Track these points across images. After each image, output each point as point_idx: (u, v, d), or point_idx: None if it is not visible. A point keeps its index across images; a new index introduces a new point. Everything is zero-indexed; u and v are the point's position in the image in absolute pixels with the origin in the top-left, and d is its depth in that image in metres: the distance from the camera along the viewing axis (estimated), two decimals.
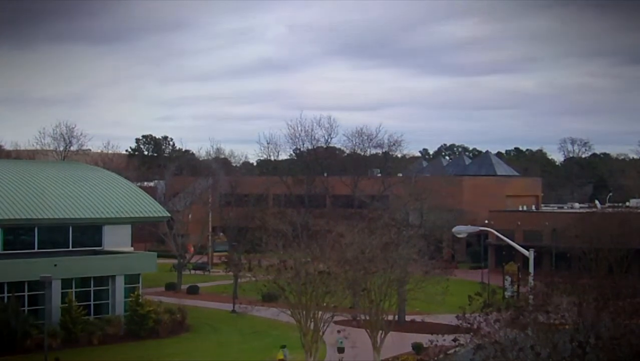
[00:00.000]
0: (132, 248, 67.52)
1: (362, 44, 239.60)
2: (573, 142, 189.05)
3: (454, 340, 28.32)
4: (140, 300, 59.97)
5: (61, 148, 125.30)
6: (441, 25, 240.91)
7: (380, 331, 47.59)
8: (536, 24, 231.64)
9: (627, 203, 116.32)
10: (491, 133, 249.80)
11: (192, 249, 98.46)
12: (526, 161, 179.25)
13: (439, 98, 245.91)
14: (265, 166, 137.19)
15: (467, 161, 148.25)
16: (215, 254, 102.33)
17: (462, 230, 36.64)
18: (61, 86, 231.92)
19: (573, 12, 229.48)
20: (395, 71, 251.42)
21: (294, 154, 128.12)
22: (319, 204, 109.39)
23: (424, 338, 47.91)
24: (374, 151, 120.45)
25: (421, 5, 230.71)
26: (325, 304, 45.81)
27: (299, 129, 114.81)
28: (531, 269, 32.66)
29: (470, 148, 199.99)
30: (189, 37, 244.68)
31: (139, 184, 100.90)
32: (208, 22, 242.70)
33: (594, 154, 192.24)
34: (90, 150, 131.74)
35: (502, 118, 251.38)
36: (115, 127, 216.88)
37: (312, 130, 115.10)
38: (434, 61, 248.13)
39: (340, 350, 52.42)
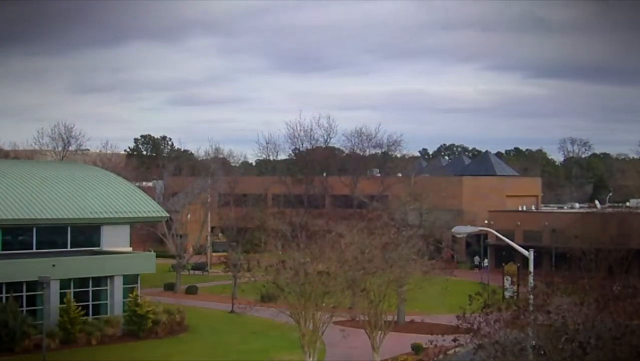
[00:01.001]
0: (131, 248, 67.32)
1: (301, 57, 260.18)
2: (573, 142, 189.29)
3: (454, 340, 28.21)
4: (138, 300, 59.80)
5: (60, 148, 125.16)
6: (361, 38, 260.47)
7: (380, 332, 47.46)
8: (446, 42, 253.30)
9: (627, 203, 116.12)
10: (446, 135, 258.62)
11: (190, 249, 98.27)
12: (526, 161, 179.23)
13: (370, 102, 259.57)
14: (264, 166, 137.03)
15: (467, 161, 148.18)
16: (214, 254, 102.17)
17: (461, 230, 36.50)
18: (36, 95, 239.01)
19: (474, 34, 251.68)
20: (334, 80, 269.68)
21: (293, 154, 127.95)
22: (318, 204, 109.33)
23: (423, 339, 47.82)
24: (373, 151, 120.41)
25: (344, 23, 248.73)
26: (324, 304, 45.68)
27: (298, 129, 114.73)
28: (531, 269, 32.49)
29: (470, 148, 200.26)
30: (147, 50, 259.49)
31: (137, 184, 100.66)
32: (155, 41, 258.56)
33: (594, 154, 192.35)
34: (88, 150, 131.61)
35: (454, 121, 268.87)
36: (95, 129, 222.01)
37: (311, 130, 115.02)
38: (363, 70, 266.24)
39: None
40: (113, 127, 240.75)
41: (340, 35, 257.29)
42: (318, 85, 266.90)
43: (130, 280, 61.63)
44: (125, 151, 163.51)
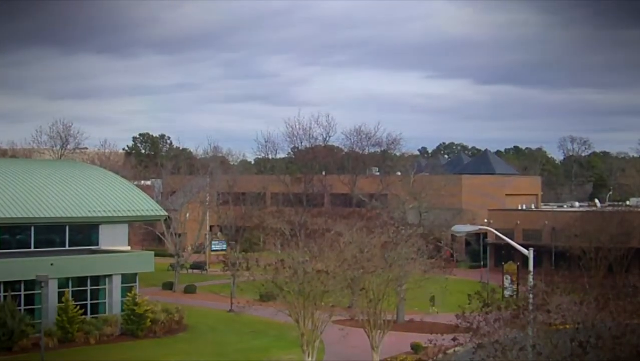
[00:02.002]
0: (129, 247, 67.11)
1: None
2: (573, 140, 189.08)
3: (453, 340, 28.08)
4: (137, 300, 59.63)
5: (58, 147, 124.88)
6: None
7: (379, 331, 47.29)
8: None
9: (627, 202, 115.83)
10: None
11: (189, 248, 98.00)
12: (525, 160, 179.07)
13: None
14: (263, 165, 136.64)
15: (466, 160, 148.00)
16: (212, 253, 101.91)
17: (461, 229, 36.35)
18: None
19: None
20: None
21: (292, 153, 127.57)
22: (317, 203, 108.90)
23: (422, 338, 47.64)
24: (372, 150, 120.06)
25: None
26: (323, 303, 45.51)
27: (297, 127, 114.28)
28: (531, 268, 32.32)
29: (469, 147, 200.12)
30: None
31: (136, 182, 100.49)
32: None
33: (594, 153, 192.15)
34: (87, 149, 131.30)
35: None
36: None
37: (310, 128, 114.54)
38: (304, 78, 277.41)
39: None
40: (98, 128, 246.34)
41: (274, 50, 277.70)
42: (268, 91, 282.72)
43: (128, 279, 61.44)
44: (123, 149, 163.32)
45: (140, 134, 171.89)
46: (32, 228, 60.33)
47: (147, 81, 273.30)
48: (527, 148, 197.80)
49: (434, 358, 47.08)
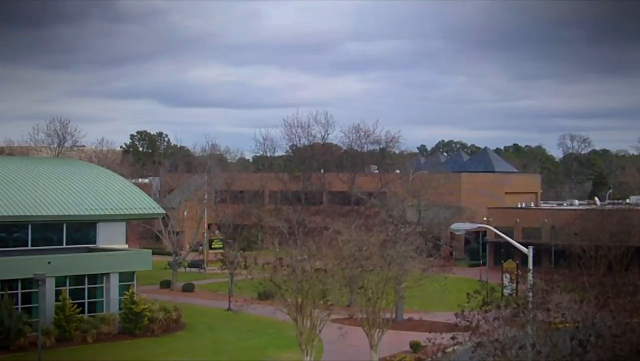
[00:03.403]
0: (127, 246, 66.94)
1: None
2: (572, 138, 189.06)
3: (453, 338, 27.92)
4: (134, 298, 59.44)
5: (55, 144, 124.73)
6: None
7: (378, 330, 47.09)
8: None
9: (627, 200, 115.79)
10: None
11: (187, 246, 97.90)
12: (525, 158, 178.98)
13: None
14: (262, 163, 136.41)
15: (465, 158, 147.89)
16: (210, 251, 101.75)
17: (460, 227, 36.14)
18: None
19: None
20: None
21: (290, 151, 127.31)
22: (316, 201, 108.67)
23: (422, 337, 47.52)
24: (371, 148, 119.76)
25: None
26: (321, 302, 45.32)
27: (296, 125, 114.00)
28: (530, 266, 32.11)
29: (469, 145, 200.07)
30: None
31: (133, 180, 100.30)
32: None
33: (594, 151, 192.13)
34: (84, 146, 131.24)
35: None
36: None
37: (308, 126, 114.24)
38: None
39: None
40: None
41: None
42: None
43: (126, 278, 61.24)
44: (121, 147, 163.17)
45: (137, 132, 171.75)
46: (30, 226, 60.15)
47: (108, 89, 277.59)
48: (526, 146, 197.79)
49: (433, 357, 47.01)
